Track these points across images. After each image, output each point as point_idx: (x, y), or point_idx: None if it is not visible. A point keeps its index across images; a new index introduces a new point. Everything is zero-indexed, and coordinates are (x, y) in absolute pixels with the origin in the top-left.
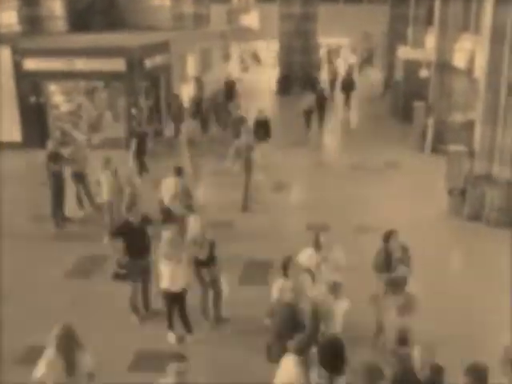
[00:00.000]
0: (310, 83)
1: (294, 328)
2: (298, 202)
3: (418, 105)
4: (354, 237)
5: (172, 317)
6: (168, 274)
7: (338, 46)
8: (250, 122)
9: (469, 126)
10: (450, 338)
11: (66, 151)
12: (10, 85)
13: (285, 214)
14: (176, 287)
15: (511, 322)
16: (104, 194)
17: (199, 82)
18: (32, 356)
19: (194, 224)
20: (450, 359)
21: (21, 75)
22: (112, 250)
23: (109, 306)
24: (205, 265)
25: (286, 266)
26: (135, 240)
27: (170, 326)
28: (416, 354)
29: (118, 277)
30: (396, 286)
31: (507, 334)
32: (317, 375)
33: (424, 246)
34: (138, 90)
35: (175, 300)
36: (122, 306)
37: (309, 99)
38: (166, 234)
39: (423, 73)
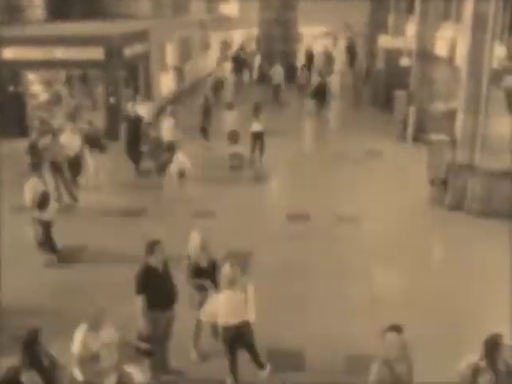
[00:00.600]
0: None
1: None
2: (278, 192)
3: (399, 93)
4: (334, 226)
5: (235, 360)
6: (228, 306)
7: (318, 34)
8: None
9: (450, 114)
10: (432, 326)
11: (42, 141)
12: None
13: (265, 203)
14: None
15: (494, 309)
16: None
17: (179, 72)
18: None
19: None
20: (433, 347)
21: None
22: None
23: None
24: (205, 274)
25: None
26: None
27: (233, 371)
28: None
29: (141, 353)
30: None
31: (490, 322)
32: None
33: (405, 236)
34: (117, 78)
35: (238, 337)
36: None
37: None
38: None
39: (404, 61)
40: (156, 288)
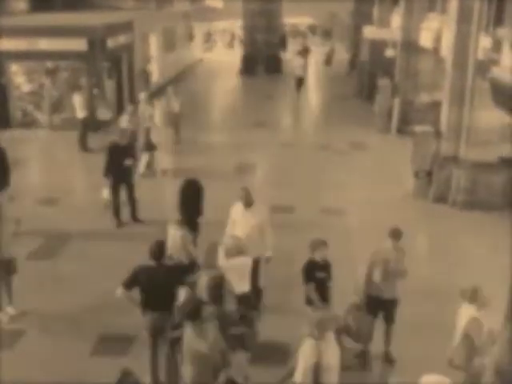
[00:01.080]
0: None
1: None
2: (263, 184)
3: (384, 84)
4: (319, 218)
5: None
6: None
7: (302, 25)
8: None
9: (435, 106)
10: (413, 318)
11: None
12: None
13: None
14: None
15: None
16: None
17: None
18: None
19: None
20: (415, 339)
21: None
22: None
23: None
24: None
25: None
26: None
27: None
28: None
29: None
30: None
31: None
32: None
33: (389, 228)
34: (101, 70)
35: None
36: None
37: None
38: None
39: (389, 52)
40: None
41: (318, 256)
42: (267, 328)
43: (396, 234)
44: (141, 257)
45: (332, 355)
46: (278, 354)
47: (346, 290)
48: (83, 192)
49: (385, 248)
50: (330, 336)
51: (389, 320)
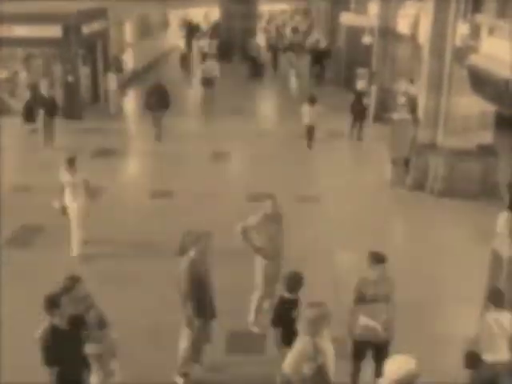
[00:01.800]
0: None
1: None
2: (239, 171)
3: (361, 72)
4: (295, 206)
5: None
6: None
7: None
8: None
9: (413, 93)
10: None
11: None
12: None
13: (224, 183)
14: None
15: (456, 288)
16: None
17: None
18: None
19: None
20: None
21: None
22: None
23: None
24: None
25: None
26: None
27: None
28: None
29: None
30: None
31: (453, 300)
32: None
33: (367, 216)
34: (75, 56)
35: None
36: None
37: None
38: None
39: (366, 39)
40: None
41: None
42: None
43: (380, 259)
44: None
45: (327, 352)
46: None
47: (320, 281)
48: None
49: (370, 280)
50: (325, 333)
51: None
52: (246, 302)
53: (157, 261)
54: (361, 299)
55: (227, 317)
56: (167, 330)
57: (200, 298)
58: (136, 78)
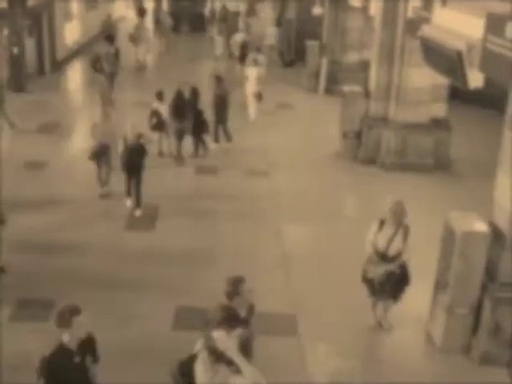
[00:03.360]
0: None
1: None
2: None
3: (312, 44)
4: (243, 180)
5: None
6: None
7: None
8: None
9: (364, 65)
10: (344, 280)
11: None
12: None
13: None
14: None
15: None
16: None
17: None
18: None
19: None
20: (343, 301)
21: None
22: None
23: None
24: None
25: None
26: None
27: None
28: None
29: None
30: None
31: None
32: None
33: (317, 190)
34: (21, 27)
35: None
36: None
37: None
38: None
39: (316, 10)
40: None
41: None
42: None
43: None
44: None
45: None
46: None
47: (269, 255)
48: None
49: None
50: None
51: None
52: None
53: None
54: None
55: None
56: None
57: None
58: (82, 49)
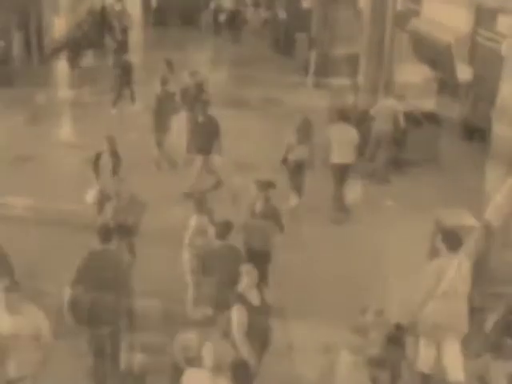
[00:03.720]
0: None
1: None
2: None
3: (301, 37)
4: (230, 174)
5: None
6: None
7: None
8: None
9: (353, 59)
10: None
11: None
12: None
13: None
14: None
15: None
16: None
17: None
18: None
19: None
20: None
21: None
22: None
23: None
24: None
25: None
26: None
27: None
28: None
29: None
30: None
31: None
32: None
33: None
34: (8, 21)
35: None
36: None
37: None
38: None
39: (306, 3)
40: None
41: None
42: None
43: None
44: None
45: None
46: None
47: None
48: None
49: None
50: None
51: None
52: None
53: None
54: None
55: None
56: None
57: None
58: (71, 42)
